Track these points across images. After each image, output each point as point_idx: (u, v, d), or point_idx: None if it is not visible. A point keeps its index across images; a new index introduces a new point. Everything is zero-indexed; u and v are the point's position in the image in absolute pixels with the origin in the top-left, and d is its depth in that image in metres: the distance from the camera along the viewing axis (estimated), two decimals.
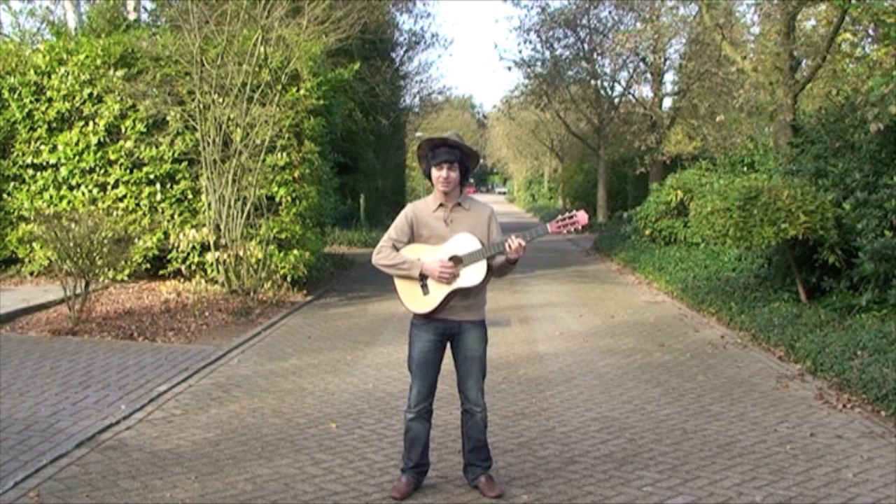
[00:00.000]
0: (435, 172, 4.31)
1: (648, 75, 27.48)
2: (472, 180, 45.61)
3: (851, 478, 4.68)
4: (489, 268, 4.30)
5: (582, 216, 4.33)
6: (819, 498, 4.39)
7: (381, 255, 4.34)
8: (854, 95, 11.05)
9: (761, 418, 5.88)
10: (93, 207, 11.15)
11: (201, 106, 11.32)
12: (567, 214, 4.34)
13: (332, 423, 5.70)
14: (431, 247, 4.32)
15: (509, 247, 4.22)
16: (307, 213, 12.09)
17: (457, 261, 4.25)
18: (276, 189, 11.77)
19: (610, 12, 26.55)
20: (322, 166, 12.49)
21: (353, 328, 9.66)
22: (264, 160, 11.37)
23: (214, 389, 6.65)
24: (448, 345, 4.44)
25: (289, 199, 11.83)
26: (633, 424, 5.73)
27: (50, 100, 12.33)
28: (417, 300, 4.31)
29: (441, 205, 4.38)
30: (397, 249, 4.35)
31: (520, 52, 29.06)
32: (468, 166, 4.40)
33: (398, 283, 4.36)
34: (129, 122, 12.13)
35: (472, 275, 4.25)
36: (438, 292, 4.27)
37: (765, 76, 13.78)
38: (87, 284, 9.27)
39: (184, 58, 11.50)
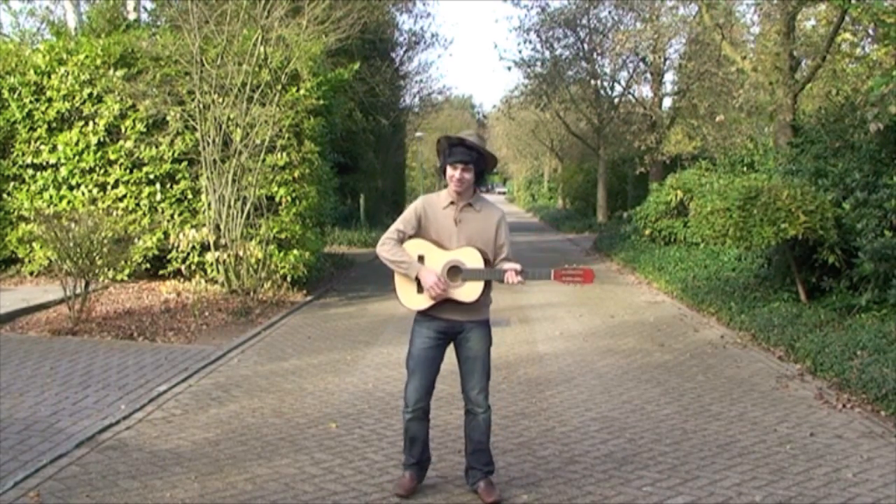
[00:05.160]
0: (449, 171, 4.28)
1: (648, 75, 27.46)
2: None
3: (851, 478, 4.68)
4: (485, 286, 4.33)
5: (588, 275, 4.34)
6: (819, 498, 4.40)
7: (385, 248, 4.32)
8: (854, 95, 11.07)
9: (761, 418, 5.88)
10: (93, 207, 11.13)
11: (201, 106, 11.32)
12: (575, 268, 4.35)
13: (332, 423, 5.70)
14: (437, 249, 4.31)
15: (508, 280, 4.24)
16: (307, 213, 12.09)
17: (456, 271, 4.26)
18: (276, 189, 11.77)
19: (610, 12, 26.52)
20: (322, 166, 12.49)
21: (353, 328, 9.67)
22: (264, 160, 11.37)
23: (214, 389, 6.66)
24: (452, 346, 4.43)
25: (289, 199, 11.84)
26: (633, 424, 5.73)
27: (50, 100, 12.33)
28: (411, 297, 4.33)
29: (452, 203, 4.35)
30: (402, 241, 4.33)
31: (520, 52, 29.07)
32: (484, 169, 4.37)
33: (397, 275, 4.36)
34: (128, 122, 12.13)
35: (467, 291, 4.28)
36: None
37: (765, 76, 13.77)
38: (87, 284, 9.27)
39: (184, 58, 11.50)
